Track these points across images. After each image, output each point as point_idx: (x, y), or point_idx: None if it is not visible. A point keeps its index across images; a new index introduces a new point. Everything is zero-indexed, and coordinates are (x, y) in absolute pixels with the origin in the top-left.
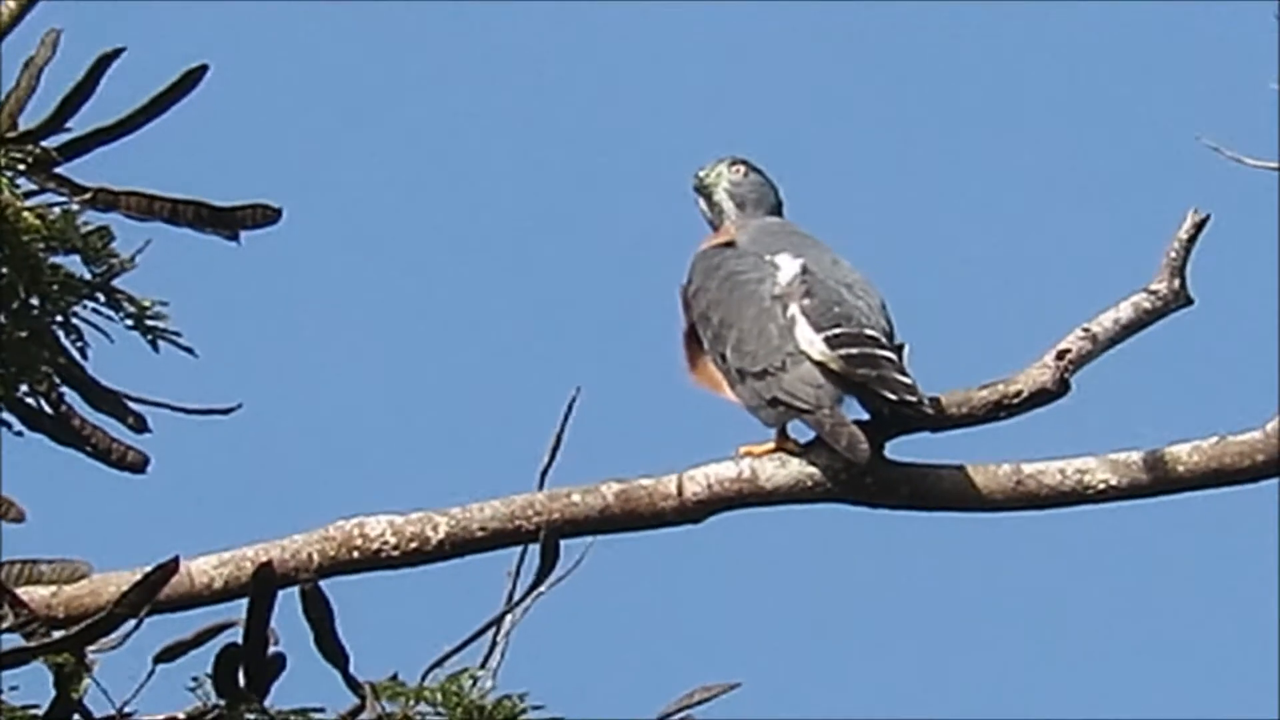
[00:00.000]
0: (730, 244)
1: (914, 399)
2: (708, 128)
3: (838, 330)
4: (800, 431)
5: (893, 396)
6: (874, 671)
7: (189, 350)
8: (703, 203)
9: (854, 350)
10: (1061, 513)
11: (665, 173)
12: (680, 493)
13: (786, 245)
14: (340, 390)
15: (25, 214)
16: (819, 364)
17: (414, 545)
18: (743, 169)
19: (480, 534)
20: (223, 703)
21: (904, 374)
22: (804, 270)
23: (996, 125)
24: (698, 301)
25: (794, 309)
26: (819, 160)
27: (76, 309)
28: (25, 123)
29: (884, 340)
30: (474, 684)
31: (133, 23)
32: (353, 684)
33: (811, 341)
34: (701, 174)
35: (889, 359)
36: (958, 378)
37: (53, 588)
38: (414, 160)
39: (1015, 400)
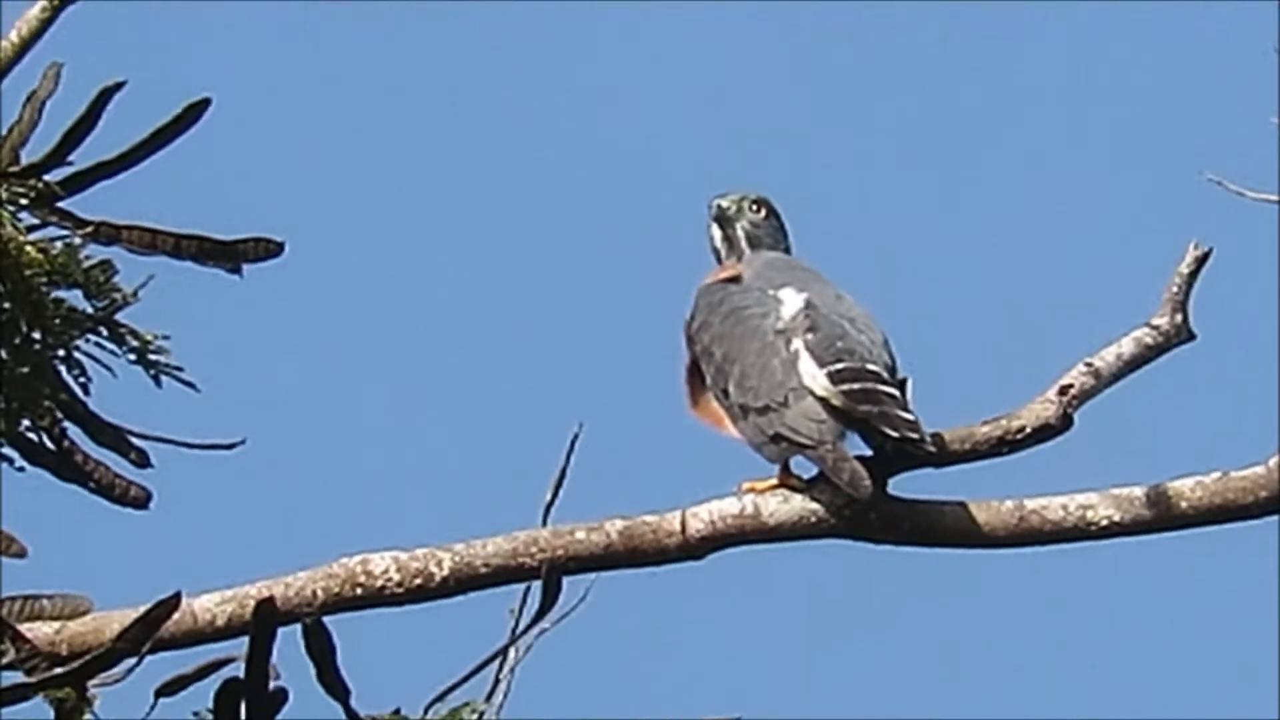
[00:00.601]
0: (735, 279)
1: (916, 435)
2: (713, 155)
3: (840, 365)
4: (803, 467)
5: (894, 433)
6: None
7: (191, 385)
8: (716, 231)
9: (856, 385)
10: (1064, 548)
11: (669, 207)
12: (684, 529)
13: (790, 280)
14: (344, 426)
15: (27, 248)
16: (821, 399)
17: (418, 582)
18: (765, 211)
19: (484, 570)
20: None
21: (906, 410)
22: (807, 305)
23: (998, 159)
24: (700, 337)
25: (797, 344)
26: (819, 191)
27: (79, 343)
28: (27, 157)
29: (886, 375)
30: (477, 719)
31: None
32: (355, 719)
33: (814, 376)
34: (724, 204)
35: (891, 394)
36: (961, 413)
37: (57, 624)
38: (418, 194)
39: (1018, 436)
